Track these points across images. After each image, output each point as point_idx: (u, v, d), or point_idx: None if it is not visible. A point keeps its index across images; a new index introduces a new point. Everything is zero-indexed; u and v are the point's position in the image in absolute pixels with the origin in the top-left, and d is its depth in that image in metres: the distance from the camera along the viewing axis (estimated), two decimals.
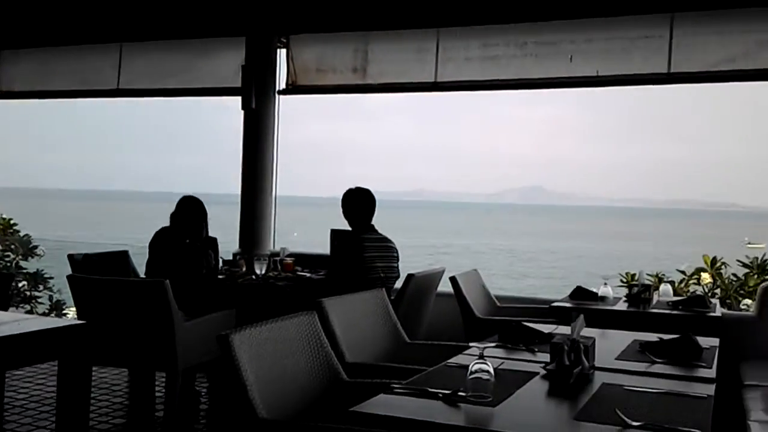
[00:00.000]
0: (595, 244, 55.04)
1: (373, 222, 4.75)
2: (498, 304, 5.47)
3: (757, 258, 6.07)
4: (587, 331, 3.08)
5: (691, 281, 6.09)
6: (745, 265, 6.10)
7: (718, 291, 5.91)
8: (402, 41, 5.84)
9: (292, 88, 6.37)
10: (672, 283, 5.98)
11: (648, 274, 5.57)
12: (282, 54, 6.37)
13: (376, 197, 4.77)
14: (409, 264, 5.16)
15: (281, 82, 6.37)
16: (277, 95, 6.40)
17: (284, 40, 6.32)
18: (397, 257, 4.80)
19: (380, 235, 4.74)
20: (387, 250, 4.72)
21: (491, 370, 2.33)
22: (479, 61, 5.53)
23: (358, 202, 4.75)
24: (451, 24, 5.48)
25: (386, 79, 5.99)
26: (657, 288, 5.03)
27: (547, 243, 54.29)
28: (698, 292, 5.89)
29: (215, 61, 6.59)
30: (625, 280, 6.06)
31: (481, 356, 2.37)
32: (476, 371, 2.31)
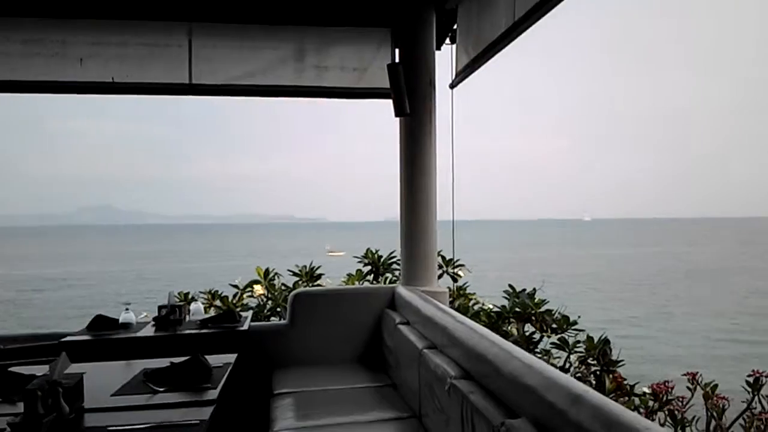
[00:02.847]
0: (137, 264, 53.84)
1: None
2: None
3: (305, 266, 6.37)
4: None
5: (245, 294, 6.12)
6: (294, 274, 6.36)
7: (270, 302, 6.03)
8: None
9: None
10: (226, 298, 5.95)
11: (177, 294, 5.54)
12: None
13: None
14: None
15: None
16: None
17: None
18: None
19: None
20: None
21: None
22: None
23: None
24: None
25: None
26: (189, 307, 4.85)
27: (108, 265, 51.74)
28: (251, 305, 6.00)
29: None
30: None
31: None
32: None
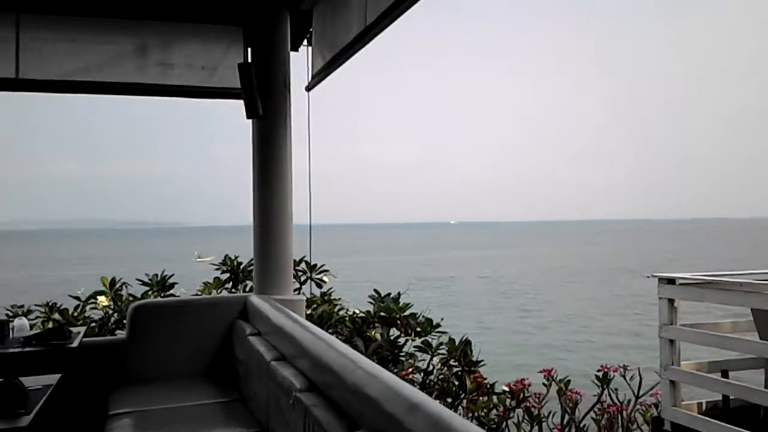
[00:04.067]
0: None
1: None
2: None
3: (157, 275, 6.04)
4: None
5: (88, 306, 5.71)
6: (144, 283, 6.01)
7: (116, 315, 5.66)
8: None
9: None
10: (66, 311, 5.53)
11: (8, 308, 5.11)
12: None
13: None
14: None
15: None
16: None
17: None
18: None
19: None
20: None
21: None
22: None
23: None
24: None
25: None
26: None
27: None
28: (95, 317, 5.62)
29: None
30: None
31: None
32: None
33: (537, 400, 5.62)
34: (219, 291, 6.09)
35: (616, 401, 5.70)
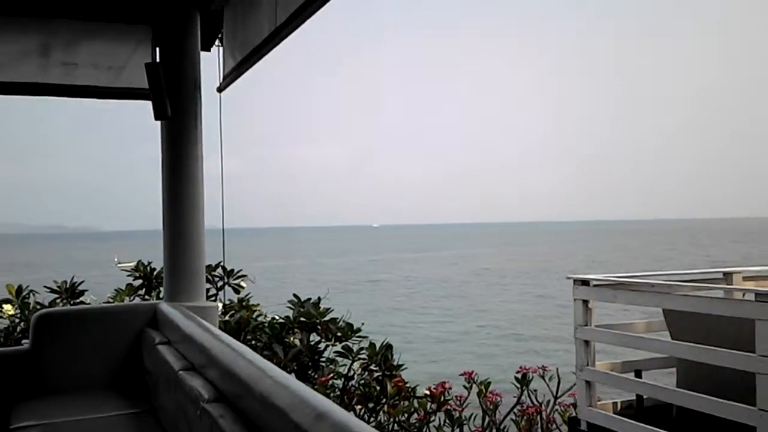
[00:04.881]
0: None
1: None
2: None
3: (66, 282, 5.82)
4: None
5: None
6: (53, 291, 5.80)
7: (22, 324, 5.43)
8: None
9: None
10: None
11: None
12: None
13: None
14: None
15: None
16: None
17: None
18: None
19: None
20: None
21: None
22: None
23: None
24: None
25: None
26: None
27: None
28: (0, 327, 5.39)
29: None
30: None
31: None
32: None
33: (458, 403, 5.64)
34: (132, 298, 5.92)
35: (535, 402, 5.77)
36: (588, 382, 5.41)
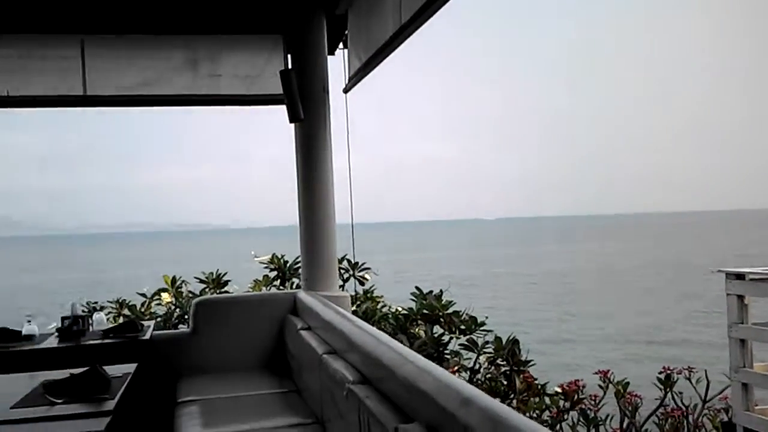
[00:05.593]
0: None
1: None
2: None
3: (212, 273, 6.35)
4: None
5: (153, 302, 6.08)
6: (201, 281, 6.33)
7: (178, 310, 5.99)
8: None
9: None
10: (134, 307, 5.91)
11: (85, 304, 5.55)
12: None
13: None
14: None
15: None
16: None
17: None
18: None
19: None
20: None
21: None
22: None
23: None
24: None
25: None
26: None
27: None
28: (159, 313, 5.97)
29: None
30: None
31: None
32: None
33: (593, 402, 5.38)
34: (268, 288, 6.36)
35: (681, 405, 5.41)
36: (745, 385, 5.01)
